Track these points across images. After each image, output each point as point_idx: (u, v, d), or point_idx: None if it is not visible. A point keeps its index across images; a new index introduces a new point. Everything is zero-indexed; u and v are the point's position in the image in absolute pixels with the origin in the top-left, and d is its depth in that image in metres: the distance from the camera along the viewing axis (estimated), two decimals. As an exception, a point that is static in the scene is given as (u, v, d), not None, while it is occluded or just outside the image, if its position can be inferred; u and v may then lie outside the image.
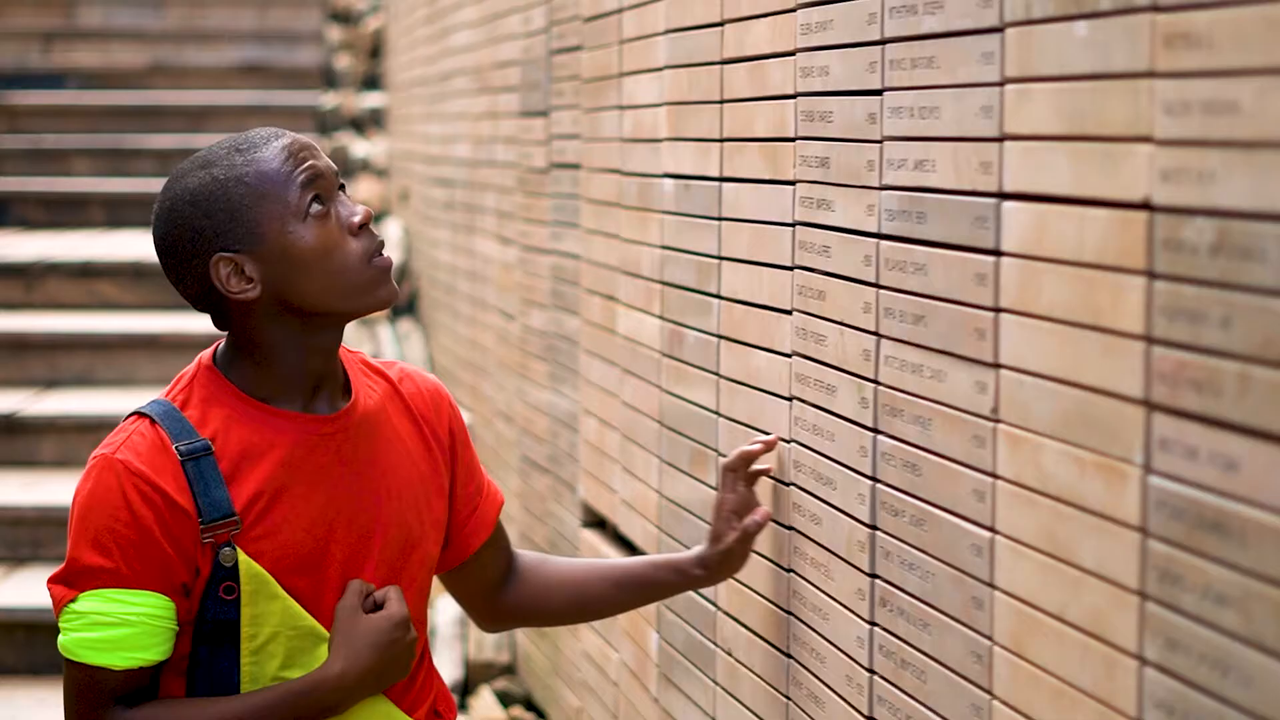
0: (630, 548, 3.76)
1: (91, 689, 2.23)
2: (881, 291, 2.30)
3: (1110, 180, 1.74)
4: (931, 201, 2.14)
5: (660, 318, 3.35)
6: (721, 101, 2.97)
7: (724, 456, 2.63)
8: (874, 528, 2.33)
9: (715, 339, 3.01)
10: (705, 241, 3.06)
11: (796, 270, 2.62)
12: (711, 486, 3.03)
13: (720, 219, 2.98)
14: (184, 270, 2.27)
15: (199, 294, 2.29)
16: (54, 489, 5.84)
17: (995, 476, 1.99)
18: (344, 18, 10.93)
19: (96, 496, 2.22)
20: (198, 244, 2.25)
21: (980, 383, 2.02)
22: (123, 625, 2.21)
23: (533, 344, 4.84)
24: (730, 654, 2.93)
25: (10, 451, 6.24)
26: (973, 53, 2.02)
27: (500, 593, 2.61)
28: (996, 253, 1.98)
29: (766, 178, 2.75)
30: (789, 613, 2.64)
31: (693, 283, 3.14)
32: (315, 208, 2.24)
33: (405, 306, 7.96)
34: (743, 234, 2.87)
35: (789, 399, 2.66)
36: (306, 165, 2.26)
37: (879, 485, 2.31)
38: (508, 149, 5.21)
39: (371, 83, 10.36)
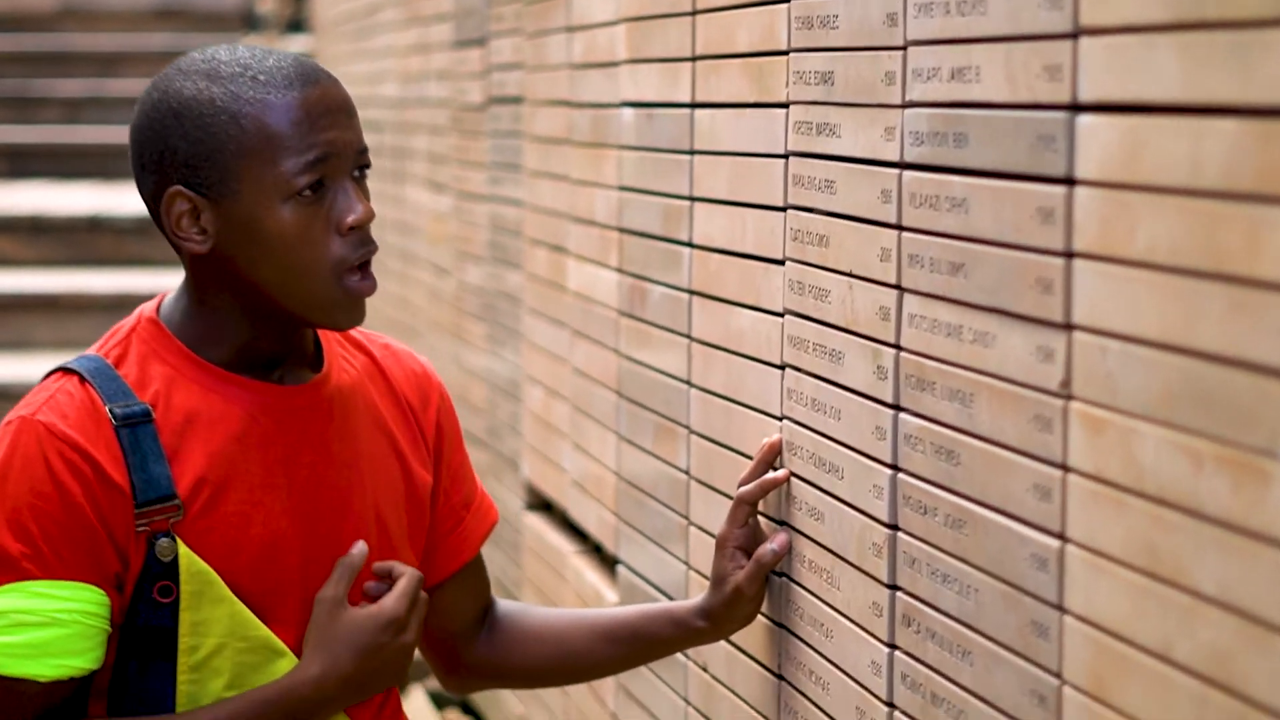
0: (580, 536, 3.36)
1: (8, 707, 1.93)
2: (905, 234, 1.89)
3: (1243, 80, 1.33)
4: (975, 120, 1.74)
5: (618, 270, 2.96)
6: (694, 12, 2.58)
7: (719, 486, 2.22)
8: (894, 528, 1.93)
9: (686, 295, 2.61)
10: (673, 180, 2.65)
11: (790, 211, 2.22)
12: (680, 469, 2.62)
13: (692, 152, 2.58)
14: (142, 177, 2.01)
15: (151, 210, 2.02)
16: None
17: (1065, 469, 1.59)
18: (266, -45, 10.49)
19: (13, 467, 1.94)
20: (163, 161, 1.97)
21: (1044, 348, 1.61)
22: (50, 625, 1.92)
23: (469, 302, 4.47)
24: (705, 669, 2.52)
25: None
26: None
27: (471, 641, 2.28)
28: (1068, 181, 1.58)
29: (751, 100, 2.35)
30: (781, 625, 2.24)
31: (658, 229, 2.74)
32: (308, 193, 1.95)
33: None
34: (720, 170, 2.46)
35: (780, 366, 2.25)
36: (325, 139, 1.95)
37: (901, 475, 1.91)
38: (440, 85, 4.90)
39: (296, 26, 9.94)
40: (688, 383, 2.61)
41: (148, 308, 2.06)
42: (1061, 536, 1.60)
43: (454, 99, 4.68)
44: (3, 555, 1.92)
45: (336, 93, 1.98)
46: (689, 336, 2.61)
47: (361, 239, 1.98)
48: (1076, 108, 1.57)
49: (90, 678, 1.97)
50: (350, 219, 1.96)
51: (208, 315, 2.02)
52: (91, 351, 2.02)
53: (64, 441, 1.94)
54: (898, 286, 1.91)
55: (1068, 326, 1.58)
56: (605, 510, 3.09)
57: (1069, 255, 1.58)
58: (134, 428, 1.96)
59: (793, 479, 2.20)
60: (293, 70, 1.96)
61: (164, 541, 1.96)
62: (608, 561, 3.18)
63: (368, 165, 2.02)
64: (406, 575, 2.06)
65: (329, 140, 1.95)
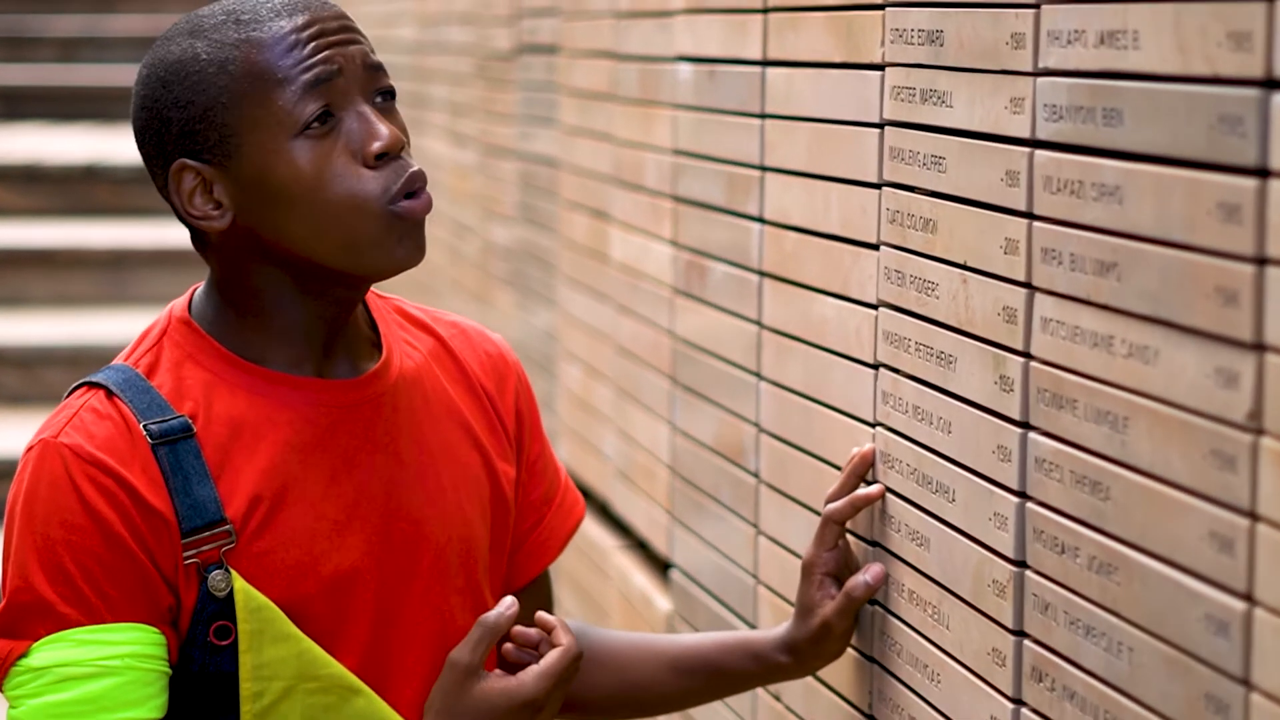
0: (625, 532, 3.13)
1: None
2: (1037, 224, 1.66)
3: None
4: (1133, 94, 1.50)
5: (672, 244, 2.72)
6: (767, -43, 2.33)
7: (829, 503, 1.98)
8: (1022, 564, 1.69)
9: (755, 276, 2.38)
10: (741, 146, 2.42)
11: (886, 189, 1.98)
12: (748, 470, 2.39)
13: (764, 116, 2.35)
14: (152, 167, 1.82)
15: (170, 201, 1.83)
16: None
17: (1253, 517, 1.35)
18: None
19: (38, 498, 1.74)
20: (163, 138, 1.80)
21: (1225, 370, 1.38)
22: (103, 675, 1.72)
23: (495, 265, 4.25)
24: (778, 698, 2.30)
25: None
26: None
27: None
28: (1260, 172, 1.34)
29: (838, 60, 2.10)
30: (873, 660, 2.01)
31: (720, 200, 2.51)
32: (316, 125, 1.76)
33: None
34: (798, 136, 2.23)
35: (873, 366, 2.02)
36: (320, 57, 1.76)
37: (1031, 505, 1.67)
38: (463, 29, 4.66)
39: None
40: (757, 375, 2.38)
41: (178, 305, 1.86)
42: (1248, 598, 1.36)
43: (479, 45, 4.45)
44: (39, 602, 1.73)
45: (329, 12, 1.79)
46: (759, 323, 2.38)
47: (397, 167, 1.77)
48: (1271, 84, 1.33)
49: None
50: (375, 145, 1.76)
51: (244, 306, 1.82)
52: (119, 361, 1.82)
53: (94, 465, 1.74)
54: (1027, 285, 1.68)
55: (1258, 347, 1.34)
56: (656, 507, 2.86)
57: (1260, 262, 1.34)
58: (173, 445, 1.76)
59: (888, 496, 1.97)
60: (280, 3, 1.79)
61: (217, 574, 1.76)
62: (657, 562, 2.95)
63: (389, 90, 1.80)
64: (558, 651, 1.82)
65: (326, 58, 1.76)
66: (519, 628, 1.84)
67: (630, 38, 3.00)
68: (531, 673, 1.81)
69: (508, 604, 1.81)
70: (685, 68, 2.68)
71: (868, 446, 2.00)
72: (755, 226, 2.38)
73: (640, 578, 3.01)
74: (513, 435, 1.97)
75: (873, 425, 2.02)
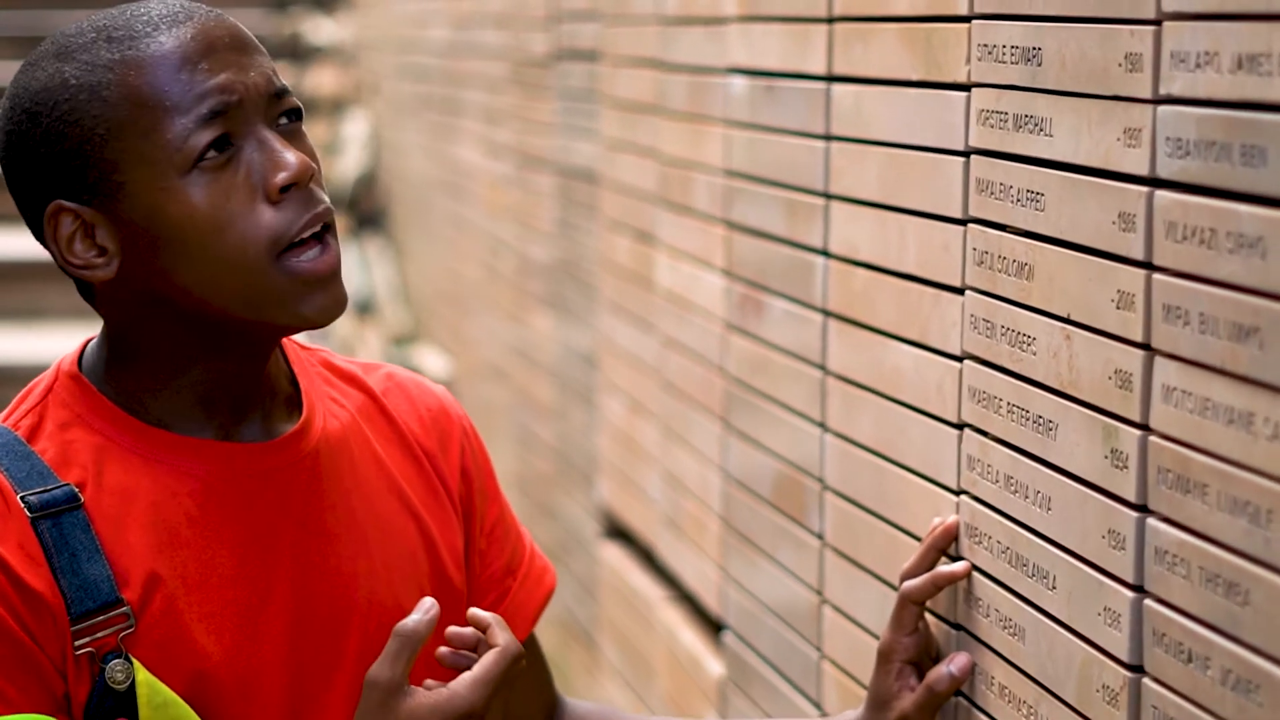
0: (672, 584, 2.93)
1: None
2: (1157, 277, 1.45)
3: None
4: (1276, 128, 1.29)
5: (725, 274, 2.53)
6: (832, -39, 2.14)
7: (908, 580, 1.78)
8: (1139, 670, 1.49)
9: (819, 315, 2.18)
10: (802, 170, 2.23)
11: (972, 226, 1.77)
12: (811, 531, 2.20)
13: (829, 137, 2.15)
14: (25, 210, 1.64)
15: (48, 248, 1.63)
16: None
17: None
18: None
19: None
20: (34, 177, 1.61)
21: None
22: None
23: (533, 283, 4.09)
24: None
25: None
26: None
27: None
28: None
29: (914, 78, 1.90)
30: (956, 759, 1.81)
31: (779, 229, 2.32)
32: (213, 154, 1.56)
33: (373, 220, 7.26)
34: (869, 162, 2.04)
35: (958, 426, 1.82)
36: (216, 83, 1.57)
37: (1150, 602, 1.47)
38: (498, 32, 4.53)
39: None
40: (821, 425, 2.18)
41: (66, 360, 1.66)
42: None
43: (514, 49, 4.30)
44: None
45: (220, 27, 1.60)
46: (823, 368, 2.18)
47: (303, 201, 1.58)
48: None
49: None
50: (280, 176, 1.57)
51: (139, 362, 1.63)
52: None
53: None
54: (1145, 346, 1.47)
55: None
56: (706, 560, 2.67)
57: None
58: (56, 518, 1.57)
59: (975, 575, 1.76)
60: (157, 14, 1.60)
61: (116, 663, 1.56)
62: (707, 619, 2.75)
63: (297, 111, 1.61)
64: (494, 653, 1.57)
65: (224, 85, 1.57)
66: (453, 629, 1.61)
67: (678, 46, 2.82)
68: (464, 681, 1.56)
69: (426, 606, 1.57)
70: (739, 80, 2.49)
71: (951, 518, 1.80)
72: (819, 260, 2.19)
73: (689, 635, 2.82)
74: (458, 500, 1.76)
75: (956, 493, 1.82)
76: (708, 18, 2.65)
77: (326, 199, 1.59)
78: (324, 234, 1.58)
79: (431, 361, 5.43)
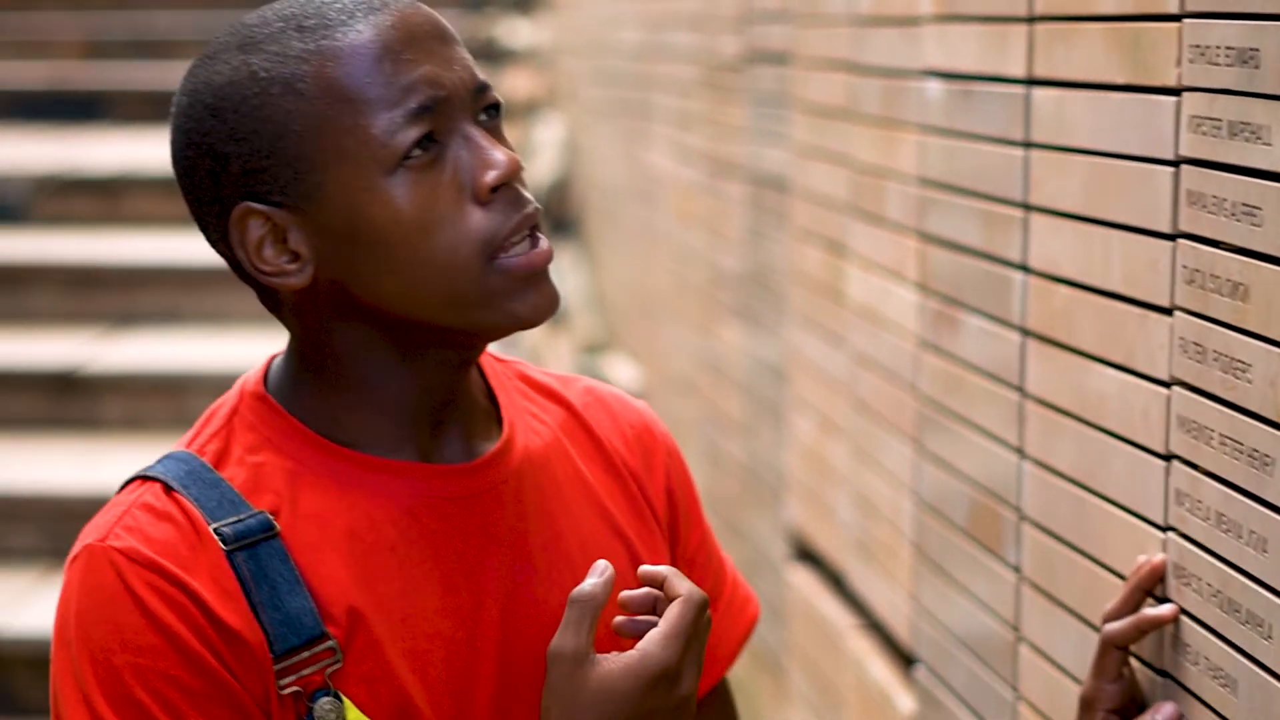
0: (862, 611, 2.83)
1: None
2: (1389, 301, 1.32)
3: None
4: None
5: (919, 288, 2.42)
6: (1033, -43, 2.02)
7: (1111, 622, 1.67)
8: (1365, 734, 1.36)
9: (1018, 334, 2.07)
10: (1000, 179, 2.12)
11: (1183, 241, 1.66)
12: (1008, 564, 2.08)
13: (1028, 145, 2.04)
14: (203, 213, 1.53)
15: (228, 255, 1.53)
16: (118, 463, 5.08)
17: None
18: None
19: (88, 619, 1.45)
20: (218, 179, 1.50)
21: None
22: None
23: (723, 294, 3.99)
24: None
25: (66, 410, 5.55)
26: None
27: None
28: None
29: (1120, 82, 1.79)
30: (1162, 817, 1.68)
31: (976, 241, 2.20)
32: (418, 153, 1.46)
33: (567, 226, 7.27)
34: (1072, 172, 1.92)
35: (1165, 457, 1.70)
36: (421, 75, 1.48)
37: (1379, 660, 1.34)
38: (690, 34, 4.42)
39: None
40: (1019, 452, 2.06)
41: (250, 379, 1.58)
42: None
43: (705, 52, 4.20)
44: None
45: (419, 15, 1.51)
46: (1021, 390, 2.06)
47: (512, 201, 1.49)
48: None
49: None
50: (490, 176, 1.48)
51: (332, 377, 1.54)
52: (179, 448, 1.53)
53: (152, 569, 1.45)
54: (1375, 377, 1.35)
55: None
56: (898, 589, 2.56)
57: None
58: (253, 549, 1.48)
59: (1183, 619, 1.64)
60: (350, 1, 1.50)
61: (326, 701, 1.46)
62: (898, 650, 2.64)
63: (498, 106, 1.51)
64: (678, 603, 1.47)
65: (427, 77, 1.47)
66: (626, 592, 1.50)
67: (871, 47, 2.71)
68: (653, 639, 1.46)
69: (601, 569, 1.48)
70: (934, 84, 2.38)
71: (1158, 557, 1.68)
72: (1018, 275, 2.07)
73: (879, 667, 2.70)
74: (664, 522, 1.66)
75: (1163, 529, 1.70)
76: (902, 18, 2.53)
77: (533, 199, 1.51)
78: (535, 232, 1.50)
79: (622, 371, 5.36)
